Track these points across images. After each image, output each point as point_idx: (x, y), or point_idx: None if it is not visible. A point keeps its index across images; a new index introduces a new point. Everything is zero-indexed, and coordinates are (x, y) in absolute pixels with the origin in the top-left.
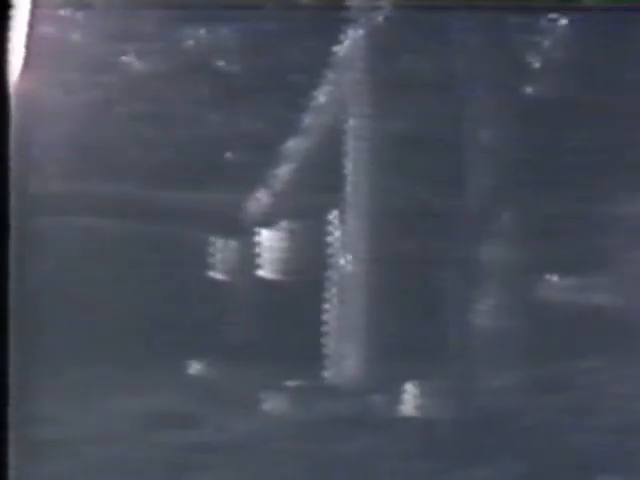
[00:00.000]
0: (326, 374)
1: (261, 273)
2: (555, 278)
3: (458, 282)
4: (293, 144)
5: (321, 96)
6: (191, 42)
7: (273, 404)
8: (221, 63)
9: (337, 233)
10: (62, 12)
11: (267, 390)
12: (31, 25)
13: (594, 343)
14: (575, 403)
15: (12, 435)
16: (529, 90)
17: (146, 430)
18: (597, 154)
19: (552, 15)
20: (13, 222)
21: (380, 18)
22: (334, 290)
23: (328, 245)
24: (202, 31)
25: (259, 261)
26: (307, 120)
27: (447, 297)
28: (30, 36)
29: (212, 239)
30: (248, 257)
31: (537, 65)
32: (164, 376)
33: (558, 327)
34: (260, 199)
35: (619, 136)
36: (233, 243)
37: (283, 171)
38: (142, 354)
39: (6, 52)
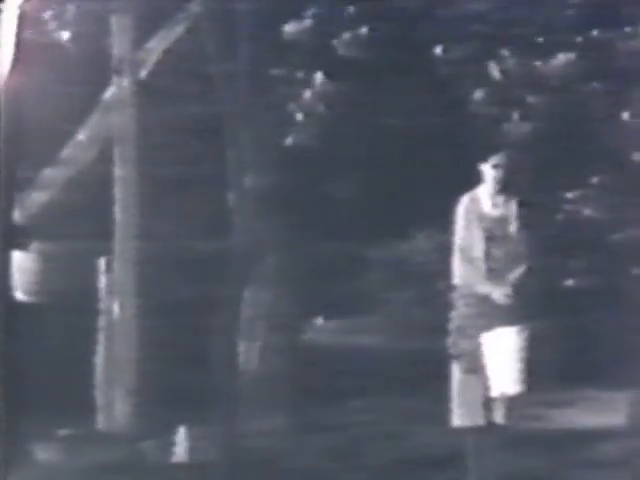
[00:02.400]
0: (97, 422)
1: (34, 324)
2: (321, 320)
3: (226, 326)
4: (62, 191)
5: (89, 143)
6: None
7: (45, 453)
8: None
9: (106, 279)
10: None
11: (39, 439)
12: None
13: (360, 384)
14: (343, 443)
15: None
16: (295, 137)
17: None
18: (363, 200)
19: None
20: None
21: (146, 68)
22: (104, 336)
23: (97, 292)
24: None
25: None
26: (75, 166)
27: (216, 341)
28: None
29: None
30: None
31: (302, 115)
32: None
33: (325, 369)
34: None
35: (384, 182)
36: None
37: (52, 219)
38: None
39: None
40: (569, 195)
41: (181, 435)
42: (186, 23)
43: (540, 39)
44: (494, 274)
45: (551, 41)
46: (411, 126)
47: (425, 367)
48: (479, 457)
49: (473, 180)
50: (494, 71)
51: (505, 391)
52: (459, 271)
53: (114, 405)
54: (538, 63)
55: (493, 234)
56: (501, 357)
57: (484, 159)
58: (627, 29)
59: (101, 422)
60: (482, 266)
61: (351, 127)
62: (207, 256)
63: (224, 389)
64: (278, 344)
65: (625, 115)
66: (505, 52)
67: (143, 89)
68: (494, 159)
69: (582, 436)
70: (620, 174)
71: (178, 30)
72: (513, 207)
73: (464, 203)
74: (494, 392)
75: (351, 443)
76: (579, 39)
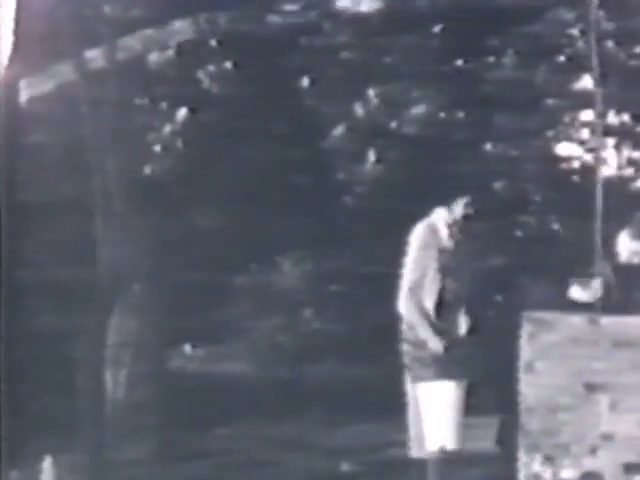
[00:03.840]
0: None
1: None
2: (188, 348)
3: (93, 355)
4: None
5: None
6: None
7: None
8: None
9: None
10: None
11: None
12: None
13: (228, 411)
14: (210, 470)
15: None
16: (158, 166)
17: None
18: (229, 228)
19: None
20: None
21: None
22: None
23: None
24: None
25: None
26: None
27: (82, 370)
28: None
29: None
30: None
31: (164, 144)
32: None
33: (192, 396)
34: None
35: (249, 211)
36: None
37: None
38: None
39: None
40: None
41: (47, 463)
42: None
43: (405, 68)
44: (439, 321)
45: (416, 70)
46: (276, 157)
47: (292, 394)
48: None
49: (338, 210)
50: (358, 108)
51: (443, 446)
52: (406, 304)
53: None
54: (403, 91)
55: (447, 266)
56: (439, 410)
57: (349, 188)
58: (491, 59)
59: None
60: (429, 302)
61: (217, 157)
62: (73, 284)
63: (91, 417)
64: (145, 372)
65: (488, 144)
66: (370, 81)
67: (9, 116)
68: (467, 201)
69: (453, 460)
70: (482, 202)
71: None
72: (467, 240)
73: (422, 232)
74: (431, 446)
75: (219, 470)
76: (444, 68)
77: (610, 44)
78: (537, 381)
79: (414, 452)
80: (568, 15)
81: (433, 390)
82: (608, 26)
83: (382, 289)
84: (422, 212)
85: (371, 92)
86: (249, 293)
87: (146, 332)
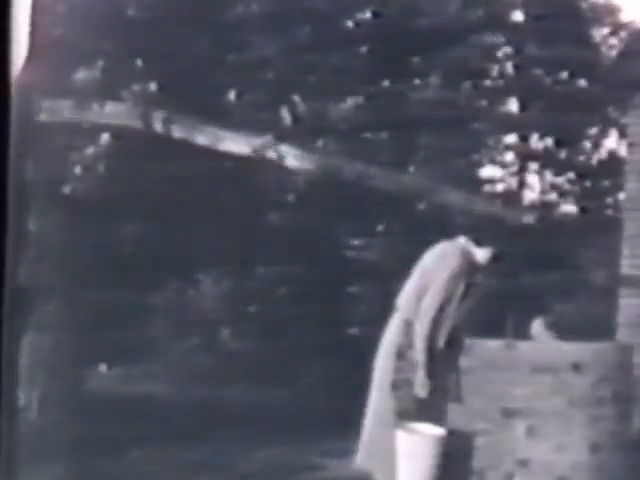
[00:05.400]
0: None
1: None
2: (104, 368)
3: (5, 374)
4: None
5: None
6: None
7: None
8: None
9: None
10: None
11: None
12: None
13: (143, 432)
14: None
15: None
16: (77, 184)
17: None
18: (149, 245)
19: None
20: None
21: None
22: None
23: None
24: None
25: None
26: None
27: None
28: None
29: None
30: None
31: (80, 165)
32: None
33: (107, 417)
34: None
35: (169, 229)
36: None
37: None
38: None
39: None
40: (355, 242)
41: None
42: None
43: (331, 87)
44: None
45: (342, 88)
46: (198, 172)
47: (208, 415)
48: None
49: (260, 228)
50: (285, 115)
51: None
52: (423, 333)
53: None
54: (328, 109)
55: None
56: (413, 462)
57: (272, 204)
58: (417, 81)
59: None
60: (442, 336)
61: (136, 173)
62: None
63: (2, 438)
64: (59, 392)
65: (411, 164)
66: (296, 97)
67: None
68: (495, 251)
69: None
70: (405, 223)
71: None
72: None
73: (456, 258)
74: None
75: None
76: (370, 88)
77: (535, 69)
78: (454, 406)
79: (359, 460)
80: (494, 39)
81: (409, 442)
82: (534, 51)
83: (301, 310)
84: (345, 233)
85: (297, 111)
86: (166, 312)
87: (60, 352)
